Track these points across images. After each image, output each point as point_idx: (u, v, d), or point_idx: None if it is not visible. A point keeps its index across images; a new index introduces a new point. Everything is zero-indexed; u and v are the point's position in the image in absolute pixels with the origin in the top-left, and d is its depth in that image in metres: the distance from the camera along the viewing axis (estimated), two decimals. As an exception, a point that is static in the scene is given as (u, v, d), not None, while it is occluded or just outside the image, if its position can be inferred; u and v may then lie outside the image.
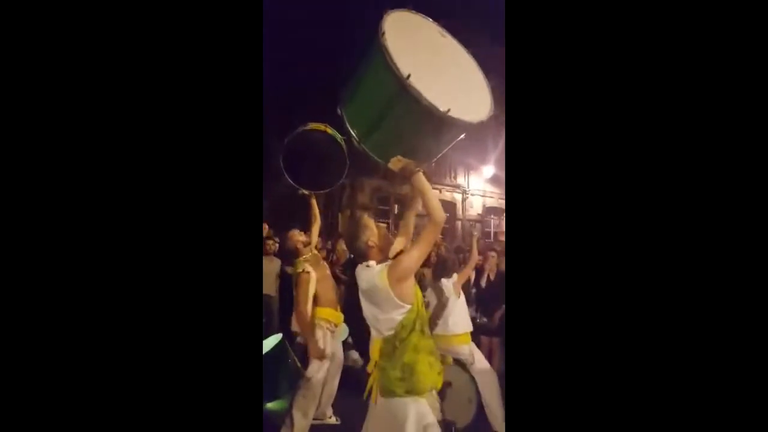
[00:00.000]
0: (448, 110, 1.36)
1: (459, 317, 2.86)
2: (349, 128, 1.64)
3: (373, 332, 1.55)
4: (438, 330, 2.83)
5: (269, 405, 2.43)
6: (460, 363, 2.78)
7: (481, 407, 2.70)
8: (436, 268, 3.14)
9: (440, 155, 1.80)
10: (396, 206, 11.54)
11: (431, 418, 1.43)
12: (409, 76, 1.35)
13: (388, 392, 1.47)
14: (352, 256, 3.29)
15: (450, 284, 2.91)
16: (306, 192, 2.75)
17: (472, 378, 2.72)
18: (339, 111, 1.68)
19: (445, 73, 1.62)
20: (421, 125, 1.46)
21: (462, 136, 1.69)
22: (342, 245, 4.06)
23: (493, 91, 1.68)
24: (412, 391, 1.44)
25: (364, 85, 1.60)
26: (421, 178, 1.50)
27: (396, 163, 1.50)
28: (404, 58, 1.41)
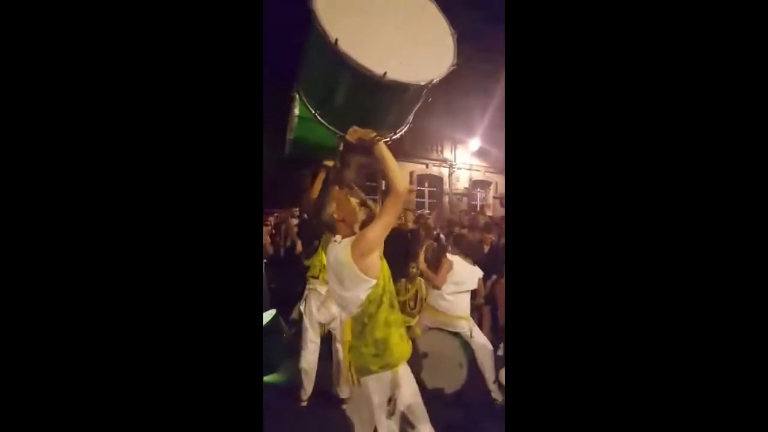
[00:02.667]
0: (385, 73, 1.28)
1: (455, 303, 2.86)
2: (306, 102, 1.56)
3: (342, 313, 1.56)
4: (441, 307, 2.85)
5: (266, 378, 2.49)
6: (454, 333, 2.85)
7: (471, 372, 2.80)
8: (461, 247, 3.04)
9: (405, 125, 1.70)
10: (383, 182, 11.49)
11: (402, 387, 1.44)
12: (336, 41, 1.26)
13: (363, 371, 1.45)
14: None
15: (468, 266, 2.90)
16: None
17: (464, 344, 2.81)
18: (294, 85, 1.59)
19: (398, 32, 1.51)
20: (363, 91, 1.38)
21: (425, 99, 1.55)
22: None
23: (459, 44, 1.56)
24: (387, 366, 1.43)
25: (309, 56, 1.52)
26: (381, 148, 1.42)
27: (352, 134, 1.44)
28: (343, 21, 1.31)
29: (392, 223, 1.45)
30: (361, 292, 1.42)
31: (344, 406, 2.36)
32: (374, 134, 1.43)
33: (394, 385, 1.44)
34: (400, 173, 1.43)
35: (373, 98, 1.44)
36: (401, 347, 1.47)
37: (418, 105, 1.64)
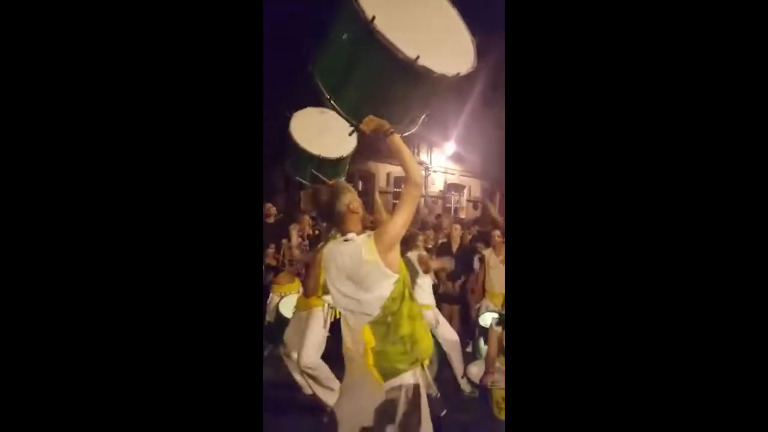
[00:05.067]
0: (417, 57, 1.23)
1: (425, 291, 3.04)
2: (320, 85, 1.46)
3: (355, 320, 1.40)
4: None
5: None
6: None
7: (440, 368, 2.91)
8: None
9: (416, 125, 1.66)
10: (360, 183, 11.51)
11: (428, 385, 1.40)
12: (373, 18, 1.20)
13: (392, 372, 1.35)
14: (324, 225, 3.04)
15: (414, 257, 3.06)
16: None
17: (434, 342, 2.93)
18: (309, 68, 1.48)
19: (423, 23, 1.49)
20: (389, 75, 1.33)
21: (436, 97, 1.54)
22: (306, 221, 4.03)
23: (478, 47, 1.56)
24: (416, 361, 1.36)
25: (333, 36, 1.43)
26: (396, 139, 1.40)
27: (369, 123, 1.38)
28: (374, 4, 1.26)
29: (413, 214, 1.42)
30: (384, 290, 1.34)
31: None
32: (389, 125, 1.39)
33: (418, 384, 1.36)
34: (416, 164, 1.41)
35: (397, 85, 1.37)
36: (427, 339, 1.42)
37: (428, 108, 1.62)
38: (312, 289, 2.60)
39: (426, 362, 1.41)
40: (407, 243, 3.19)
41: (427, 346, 1.42)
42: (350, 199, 1.45)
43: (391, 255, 1.37)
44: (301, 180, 2.68)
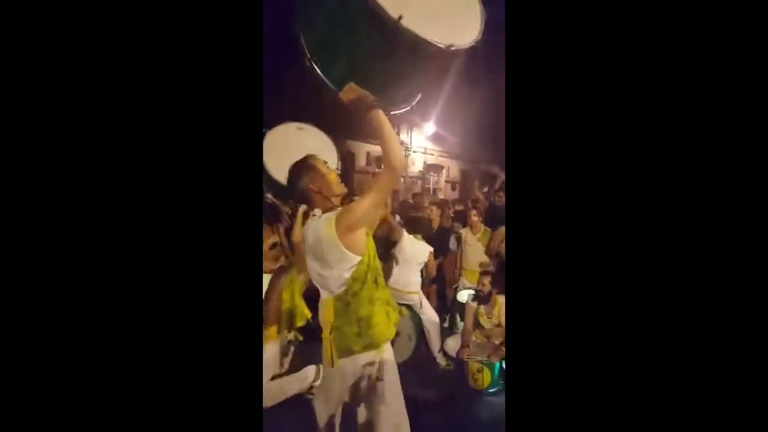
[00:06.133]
0: (400, 17, 1.12)
1: (412, 278, 3.12)
2: (302, 42, 1.32)
3: (323, 292, 1.42)
4: (391, 283, 3.05)
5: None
6: (407, 306, 3.07)
7: (418, 344, 3.05)
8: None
9: (408, 104, 1.57)
10: (340, 163, 11.40)
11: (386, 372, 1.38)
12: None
13: (346, 351, 1.36)
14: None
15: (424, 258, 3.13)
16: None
17: (413, 317, 3.05)
18: (294, 28, 1.34)
19: None
20: (373, 39, 1.19)
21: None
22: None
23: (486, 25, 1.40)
24: (371, 345, 1.36)
25: None
26: (379, 115, 1.25)
27: (348, 92, 1.24)
28: None
29: (384, 199, 1.36)
30: (344, 270, 1.32)
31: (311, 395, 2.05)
32: (373, 98, 1.24)
33: (375, 368, 1.37)
34: (398, 146, 1.28)
35: (382, 50, 1.22)
36: (385, 326, 1.39)
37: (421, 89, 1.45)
38: (270, 316, 2.05)
39: (382, 349, 1.39)
40: (414, 226, 3.22)
41: (382, 333, 1.39)
42: (309, 179, 1.42)
43: (353, 236, 1.31)
44: (279, 203, 2.52)
